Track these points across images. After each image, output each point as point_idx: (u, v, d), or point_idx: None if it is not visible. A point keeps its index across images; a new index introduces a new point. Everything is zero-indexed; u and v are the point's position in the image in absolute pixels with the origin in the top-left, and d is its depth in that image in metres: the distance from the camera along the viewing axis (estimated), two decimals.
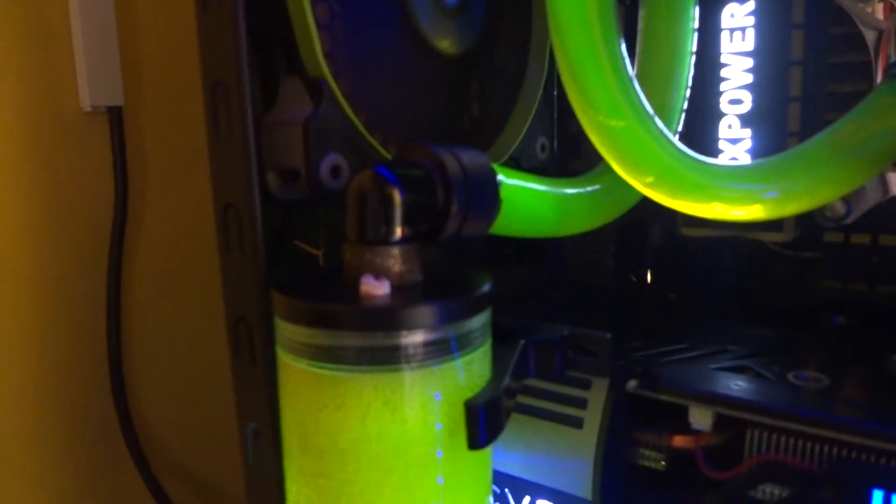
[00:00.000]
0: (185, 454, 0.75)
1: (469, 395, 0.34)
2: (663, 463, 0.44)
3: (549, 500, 0.45)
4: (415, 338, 0.32)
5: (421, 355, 0.33)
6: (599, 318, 0.55)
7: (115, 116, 0.65)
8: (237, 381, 0.44)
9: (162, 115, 0.70)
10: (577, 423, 0.43)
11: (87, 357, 0.66)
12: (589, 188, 0.46)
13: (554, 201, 0.43)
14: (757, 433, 0.40)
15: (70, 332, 0.65)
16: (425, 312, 0.32)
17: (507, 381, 0.35)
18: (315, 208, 0.44)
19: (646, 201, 0.50)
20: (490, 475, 0.40)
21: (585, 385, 0.43)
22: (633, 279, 0.59)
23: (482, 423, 0.33)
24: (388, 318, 0.32)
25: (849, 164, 0.39)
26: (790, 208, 0.40)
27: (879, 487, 0.36)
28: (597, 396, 0.43)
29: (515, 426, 0.45)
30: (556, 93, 0.58)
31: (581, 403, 0.43)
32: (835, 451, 0.38)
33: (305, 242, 0.46)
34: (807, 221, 0.51)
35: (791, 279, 0.54)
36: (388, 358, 0.32)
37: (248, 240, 0.40)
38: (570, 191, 0.44)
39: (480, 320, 0.35)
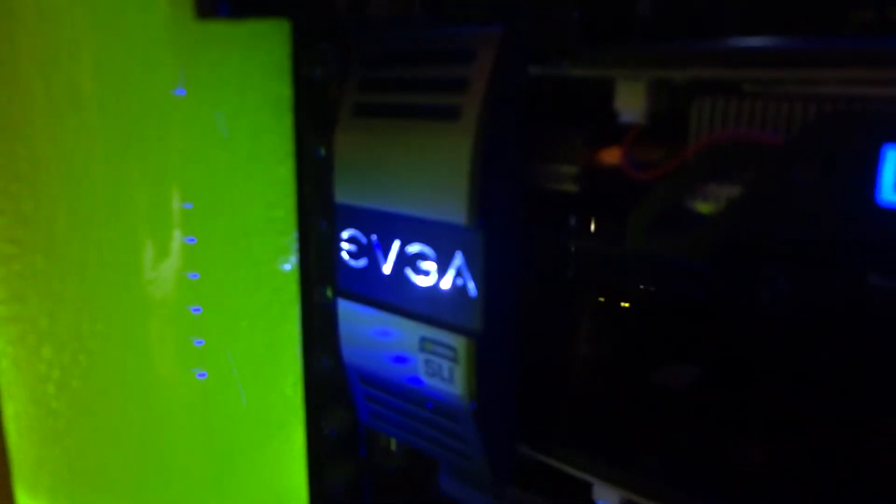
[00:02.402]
0: None
1: None
2: (575, 181, 0.30)
3: (420, 242, 0.32)
4: None
5: None
6: None
7: None
8: None
9: None
10: (451, 114, 0.30)
11: None
12: None
13: None
14: (708, 103, 0.26)
15: None
16: None
17: None
18: None
19: None
20: None
21: (466, 57, 0.30)
22: None
23: None
24: None
25: None
26: None
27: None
28: (481, 76, 0.29)
29: (377, 140, 0.33)
30: None
31: (458, 85, 0.30)
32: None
33: None
34: None
35: None
36: None
37: None
38: None
39: None
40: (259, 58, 0.35)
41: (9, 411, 0.39)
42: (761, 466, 0.31)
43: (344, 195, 0.35)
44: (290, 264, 0.39)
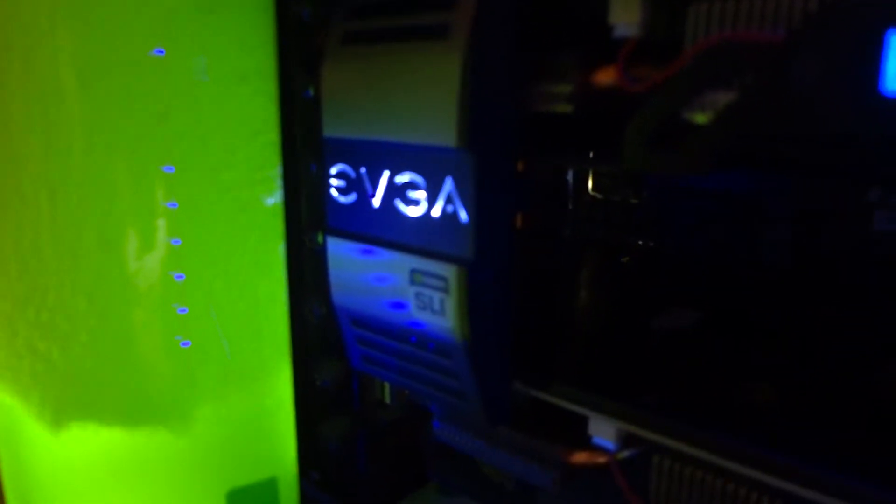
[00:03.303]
0: None
1: None
2: (570, 101, 0.29)
3: (410, 170, 0.31)
4: None
5: None
6: None
7: None
8: None
9: None
10: (440, 32, 0.29)
11: None
12: None
13: None
14: (705, 7, 0.25)
15: None
16: None
17: None
18: None
19: None
20: None
21: None
22: None
23: None
24: None
25: None
26: None
27: None
28: None
29: (365, 68, 0.32)
30: None
31: (447, 1, 0.29)
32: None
33: None
34: None
35: None
36: None
37: None
38: None
39: None
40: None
41: None
42: (761, 398, 0.30)
43: (332, 128, 0.34)
44: (277, 213, 0.38)
